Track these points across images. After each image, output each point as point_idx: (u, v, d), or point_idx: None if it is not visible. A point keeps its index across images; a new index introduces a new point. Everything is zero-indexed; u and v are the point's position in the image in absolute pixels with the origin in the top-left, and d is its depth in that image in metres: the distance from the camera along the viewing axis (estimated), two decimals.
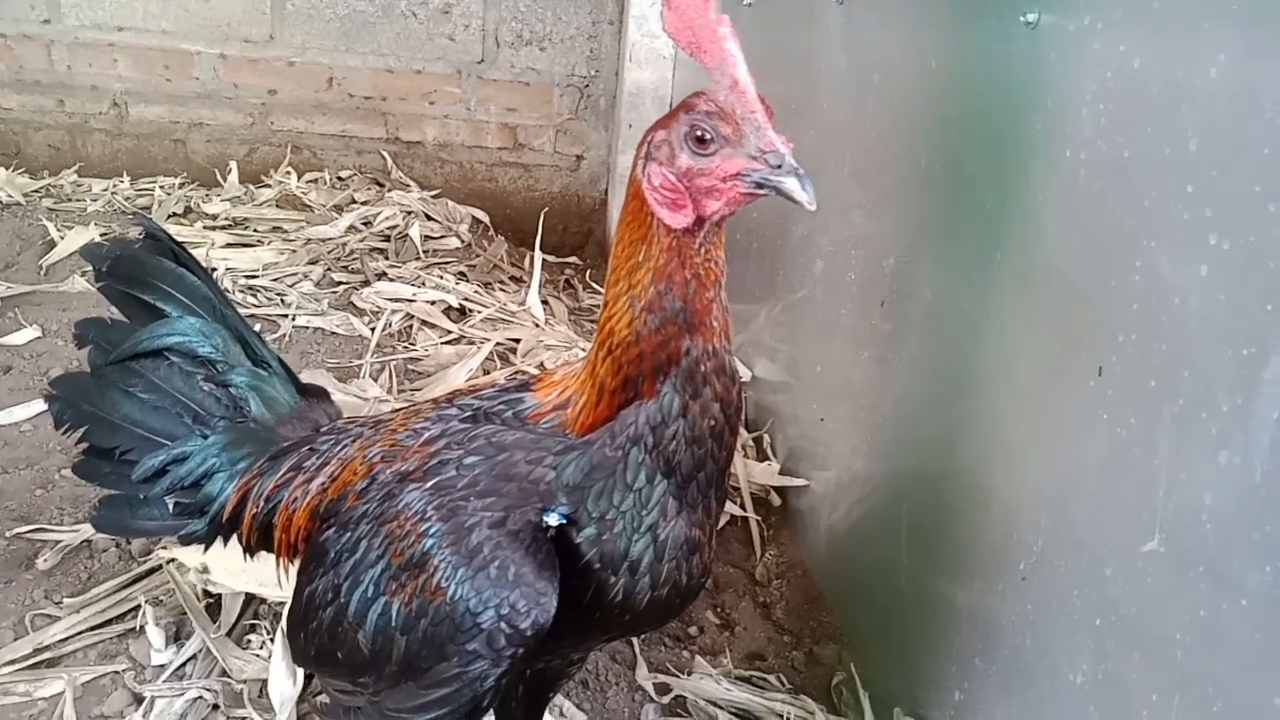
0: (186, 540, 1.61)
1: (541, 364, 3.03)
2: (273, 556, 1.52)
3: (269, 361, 1.66)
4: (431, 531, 1.16)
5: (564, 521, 1.16)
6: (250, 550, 1.55)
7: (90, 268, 3.20)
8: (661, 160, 1.11)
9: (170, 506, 1.60)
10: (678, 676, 1.99)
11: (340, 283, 3.42)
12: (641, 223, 1.15)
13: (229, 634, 1.96)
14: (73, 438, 1.65)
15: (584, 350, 1.28)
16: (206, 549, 1.62)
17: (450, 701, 1.16)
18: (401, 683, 1.20)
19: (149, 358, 1.61)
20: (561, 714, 1.88)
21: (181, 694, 1.83)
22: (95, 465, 1.64)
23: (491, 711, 1.59)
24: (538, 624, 1.11)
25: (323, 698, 1.43)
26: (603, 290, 1.23)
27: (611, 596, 1.18)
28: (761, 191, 1.08)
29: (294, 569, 1.45)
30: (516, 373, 2.95)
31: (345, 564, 1.27)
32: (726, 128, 1.06)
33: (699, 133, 1.08)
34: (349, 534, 1.29)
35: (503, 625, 1.11)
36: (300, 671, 1.79)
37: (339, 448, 1.44)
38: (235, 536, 1.56)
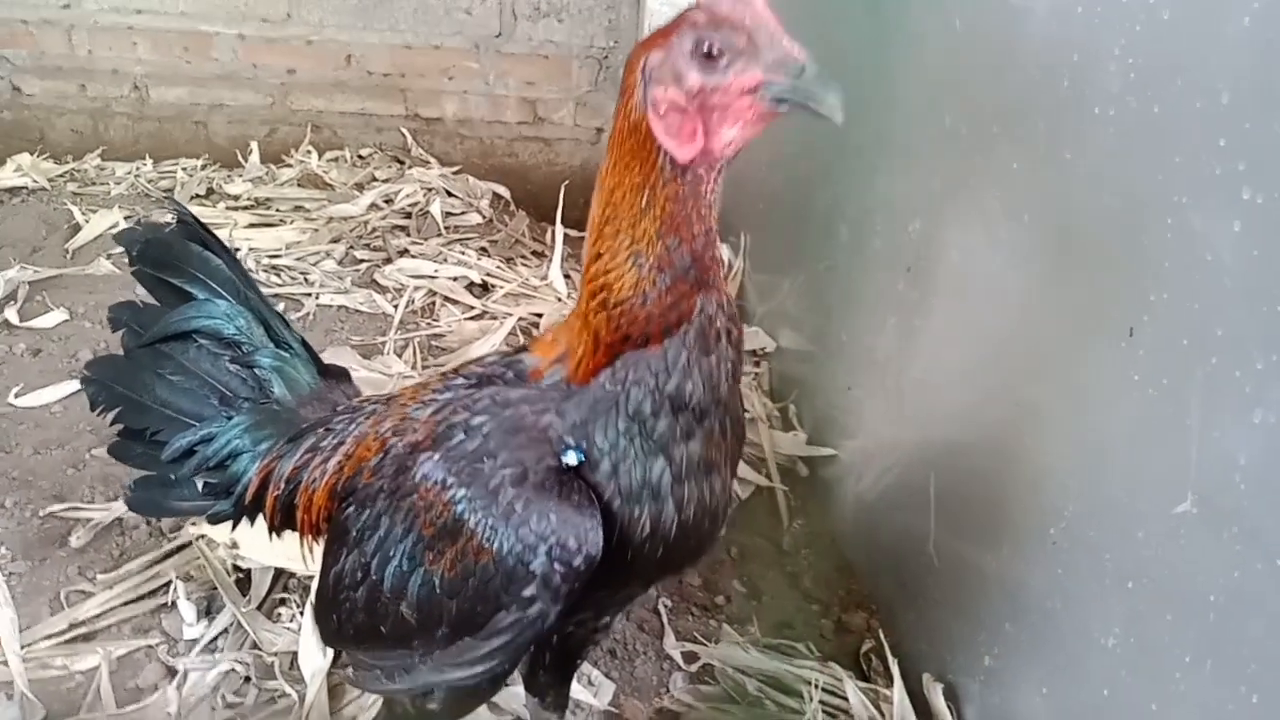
0: (215, 520, 1.63)
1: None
2: (297, 536, 1.53)
3: (291, 343, 1.67)
4: (458, 498, 1.16)
5: (582, 459, 1.14)
6: (275, 530, 1.56)
7: (119, 250, 3.23)
8: (665, 83, 1.02)
9: (199, 486, 1.63)
10: (705, 645, 2.00)
11: (362, 260, 3.42)
12: (644, 162, 1.06)
13: (259, 608, 1.98)
14: (103, 419, 1.67)
15: None
16: (234, 528, 1.64)
17: (511, 645, 1.17)
18: (458, 639, 1.20)
19: (177, 340, 1.63)
20: (590, 682, 1.89)
21: (214, 666, 1.85)
22: (128, 447, 1.67)
23: (521, 683, 1.61)
24: (589, 556, 1.10)
25: (349, 670, 1.44)
26: None
27: (640, 531, 1.16)
28: (781, 108, 1.00)
29: (319, 549, 1.45)
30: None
31: (369, 541, 1.27)
32: (737, 38, 0.98)
33: (707, 46, 0.99)
34: (368, 510, 1.28)
35: (556, 565, 1.10)
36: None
37: (353, 426, 1.45)
38: (260, 516, 1.57)
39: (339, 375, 1.75)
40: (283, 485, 1.50)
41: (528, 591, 1.12)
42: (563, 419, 1.16)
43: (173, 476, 1.63)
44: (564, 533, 1.10)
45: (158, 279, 1.64)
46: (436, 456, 1.21)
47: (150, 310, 1.65)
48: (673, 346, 1.11)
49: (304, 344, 1.70)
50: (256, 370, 1.63)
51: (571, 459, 1.15)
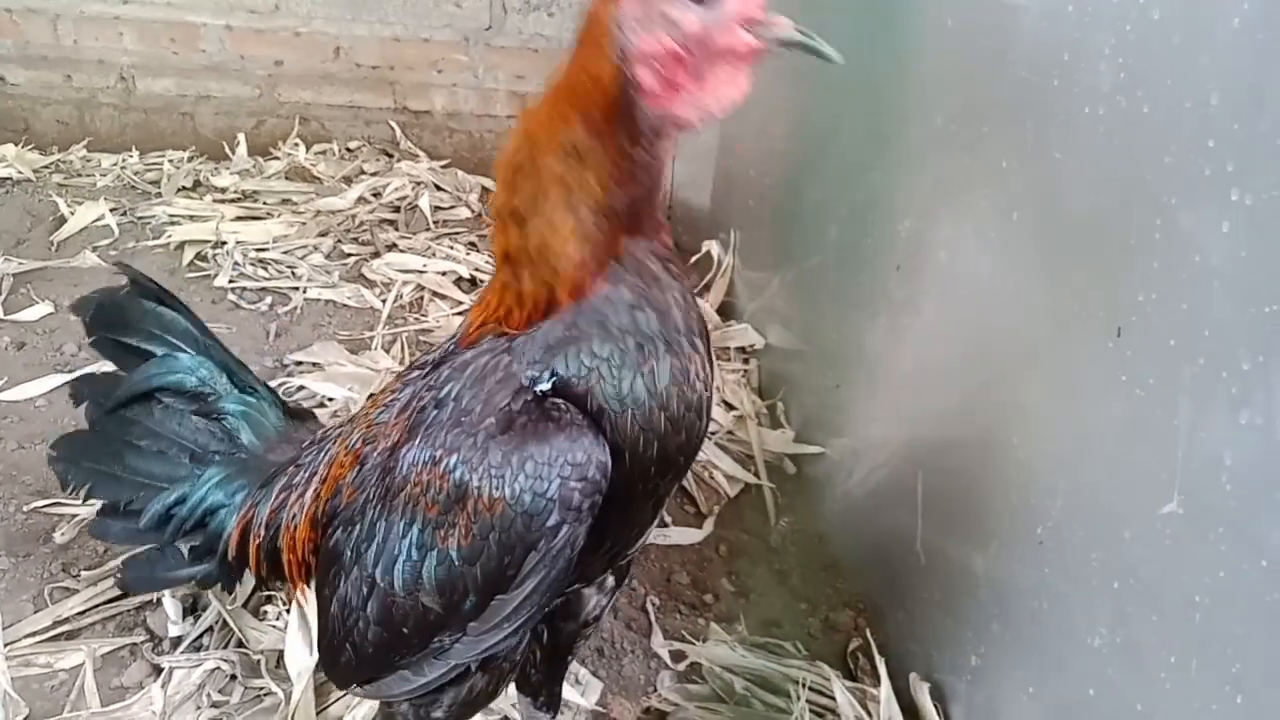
0: (205, 584, 1.60)
1: None
2: (289, 585, 1.49)
3: (254, 386, 1.66)
4: (452, 466, 1.12)
5: (554, 379, 1.12)
6: (264, 582, 1.51)
7: (105, 243, 3.20)
8: (655, 31, 0.95)
9: (185, 553, 1.59)
10: (693, 643, 2.00)
11: (350, 255, 3.40)
12: (596, 118, 1.04)
13: (245, 605, 1.97)
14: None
15: None
16: (224, 589, 1.60)
17: (544, 585, 1.14)
18: (488, 602, 1.17)
19: (141, 402, 1.60)
20: (578, 681, 1.89)
21: (199, 665, 1.84)
22: (107, 525, 1.64)
23: (513, 683, 1.60)
24: (601, 464, 1.08)
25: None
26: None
27: (631, 429, 1.13)
28: (780, 48, 0.97)
29: (310, 593, 1.41)
30: None
31: (368, 554, 1.23)
32: None
33: None
34: (358, 526, 1.25)
35: (573, 483, 1.07)
36: (316, 640, 1.79)
37: (322, 454, 1.42)
38: (246, 571, 1.54)
39: (304, 415, 1.73)
40: (263, 532, 1.46)
41: (552, 521, 1.08)
42: (519, 357, 1.14)
43: (159, 549, 1.60)
44: (569, 452, 1.07)
45: (117, 343, 1.62)
46: (417, 441, 1.18)
47: (110, 379, 1.64)
48: (610, 288, 1.09)
49: (267, 387, 1.69)
50: (225, 421, 1.61)
51: (546, 385, 1.12)
